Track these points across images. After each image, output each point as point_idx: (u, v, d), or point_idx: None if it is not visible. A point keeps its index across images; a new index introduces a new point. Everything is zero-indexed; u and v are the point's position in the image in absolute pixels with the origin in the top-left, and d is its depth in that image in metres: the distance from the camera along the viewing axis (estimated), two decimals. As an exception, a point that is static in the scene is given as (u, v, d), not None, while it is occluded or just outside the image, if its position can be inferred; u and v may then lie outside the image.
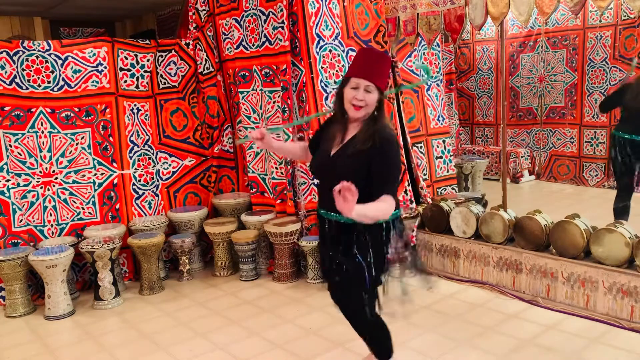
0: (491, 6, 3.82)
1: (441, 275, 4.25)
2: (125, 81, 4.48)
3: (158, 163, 4.69)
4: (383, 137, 2.20)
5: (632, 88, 4.32)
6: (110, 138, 4.42)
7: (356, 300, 2.36)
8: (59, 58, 4.19)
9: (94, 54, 4.31)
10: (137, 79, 4.54)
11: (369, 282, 2.28)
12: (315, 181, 4.19)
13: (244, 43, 4.55)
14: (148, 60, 4.57)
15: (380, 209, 2.09)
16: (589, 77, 6.23)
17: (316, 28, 4.14)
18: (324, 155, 2.33)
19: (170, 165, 4.75)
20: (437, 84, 5.18)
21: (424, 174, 4.84)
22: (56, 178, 4.24)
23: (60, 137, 4.24)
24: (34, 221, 4.17)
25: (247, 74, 4.59)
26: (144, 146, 4.60)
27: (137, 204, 4.55)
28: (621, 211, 4.28)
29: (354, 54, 4.35)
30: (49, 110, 4.19)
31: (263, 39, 4.35)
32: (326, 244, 2.44)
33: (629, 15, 5.73)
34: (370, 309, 2.39)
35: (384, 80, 2.25)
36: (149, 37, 5.91)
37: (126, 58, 4.46)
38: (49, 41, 4.21)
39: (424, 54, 5.03)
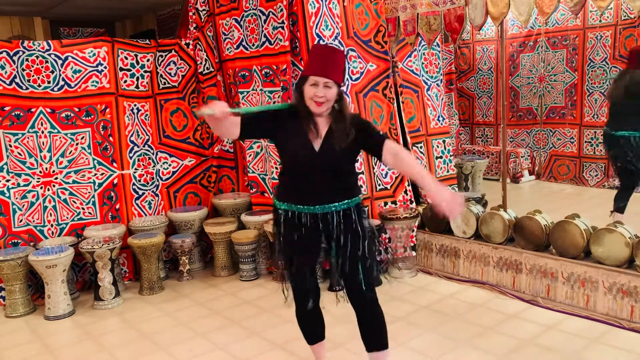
0: (491, 6, 3.82)
1: (441, 275, 4.25)
2: (125, 81, 4.48)
3: (158, 163, 4.69)
4: (359, 119, 2.50)
5: (615, 82, 4.34)
6: (110, 138, 4.42)
7: (365, 279, 2.45)
8: (59, 58, 4.19)
9: (94, 54, 4.31)
10: (137, 79, 4.54)
11: (376, 258, 2.47)
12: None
13: (244, 43, 4.55)
14: (148, 60, 4.57)
15: (409, 156, 2.45)
16: (589, 77, 6.23)
17: (316, 28, 4.14)
18: (307, 150, 2.37)
19: (170, 165, 4.75)
20: (437, 84, 5.18)
21: (424, 174, 4.83)
22: (56, 178, 4.24)
23: (60, 137, 4.24)
24: (34, 221, 4.17)
25: (247, 74, 4.59)
26: (144, 146, 4.60)
27: (137, 204, 4.55)
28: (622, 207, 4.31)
29: (354, 54, 4.35)
30: (49, 110, 4.19)
31: (263, 39, 4.35)
32: (307, 240, 2.48)
33: (629, 15, 5.73)
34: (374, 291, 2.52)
35: (340, 74, 2.37)
36: (149, 37, 5.90)
37: (126, 58, 4.46)
38: (49, 41, 4.21)
39: (424, 54, 5.03)
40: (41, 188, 4.19)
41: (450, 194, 2.19)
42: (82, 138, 4.32)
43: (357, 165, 2.60)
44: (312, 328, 2.74)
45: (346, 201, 2.43)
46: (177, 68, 4.76)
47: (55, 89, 4.20)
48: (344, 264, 2.45)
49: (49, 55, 4.15)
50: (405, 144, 4.71)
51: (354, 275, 2.45)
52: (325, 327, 2.78)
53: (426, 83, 5.07)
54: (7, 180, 4.07)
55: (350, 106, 2.45)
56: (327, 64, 2.32)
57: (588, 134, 6.33)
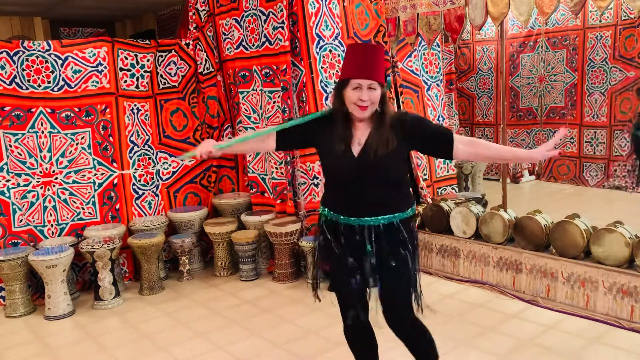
0: (491, 6, 3.82)
1: (441, 275, 4.25)
2: (125, 81, 4.48)
3: (158, 163, 4.69)
4: (406, 117, 2.25)
5: None
6: (110, 138, 4.42)
7: (406, 301, 2.29)
8: (59, 58, 4.19)
9: (94, 54, 4.31)
10: (137, 79, 4.54)
11: (415, 278, 2.29)
12: (316, 181, 4.19)
13: (244, 43, 4.55)
14: (148, 60, 4.57)
15: (483, 141, 2.32)
16: (589, 77, 6.23)
17: (316, 28, 4.14)
18: (346, 158, 2.19)
19: (170, 165, 4.75)
20: (437, 84, 5.18)
21: (424, 174, 4.84)
22: (56, 178, 4.24)
23: (60, 137, 4.24)
24: (34, 221, 4.17)
25: (247, 74, 4.59)
26: (144, 146, 4.60)
27: (137, 204, 4.55)
28: None
29: (354, 54, 4.35)
30: (49, 110, 4.19)
31: (263, 39, 4.35)
32: (347, 250, 2.29)
33: (629, 15, 5.72)
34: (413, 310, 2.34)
35: (382, 72, 2.17)
36: (149, 37, 5.91)
37: (126, 58, 4.46)
38: (49, 41, 4.21)
39: (424, 54, 5.04)
40: (41, 188, 4.19)
41: (544, 150, 2.11)
42: (82, 138, 4.32)
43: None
44: (361, 348, 2.47)
45: (388, 216, 2.21)
46: (177, 68, 4.75)
47: (55, 89, 4.20)
48: (383, 281, 2.27)
49: (49, 55, 4.15)
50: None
51: (392, 295, 2.28)
52: (377, 352, 2.50)
53: (426, 83, 5.07)
54: (7, 180, 4.07)
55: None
56: (368, 64, 2.13)
57: (588, 134, 6.33)
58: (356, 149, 2.20)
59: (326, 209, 2.32)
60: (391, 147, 2.14)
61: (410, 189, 2.46)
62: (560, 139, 2.09)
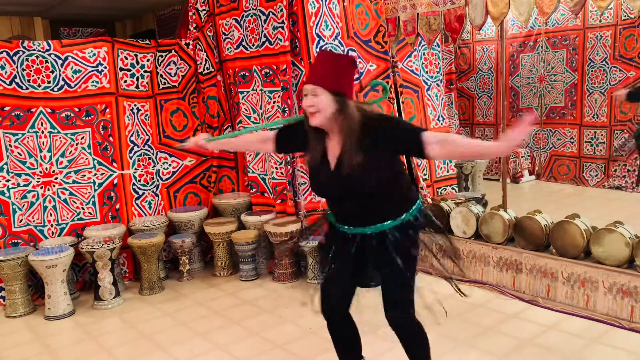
0: (491, 6, 3.82)
1: (441, 275, 4.24)
2: (125, 81, 4.47)
3: (158, 163, 4.69)
4: (370, 121, 2.10)
5: None
6: (110, 138, 4.42)
7: (406, 304, 2.30)
8: (59, 58, 4.19)
9: (94, 54, 4.31)
10: (137, 79, 4.54)
11: (413, 282, 2.27)
12: None
13: (244, 43, 4.55)
14: (148, 60, 4.57)
15: (456, 136, 2.15)
16: (589, 77, 6.23)
17: (316, 28, 4.14)
18: (323, 169, 2.18)
19: (170, 165, 4.75)
20: (437, 84, 5.18)
21: (424, 174, 4.84)
22: (56, 178, 4.24)
23: (60, 137, 4.24)
24: (34, 221, 4.17)
25: (247, 74, 4.59)
26: (144, 146, 4.60)
27: (137, 204, 4.55)
28: None
29: (354, 54, 4.35)
30: (49, 110, 4.19)
31: (263, 39, 4.35)
32: (347, 257, 2.32)
33: (629, 15, 5.72)
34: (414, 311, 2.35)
35: (330, 79, 2.06)
36: (149, 37, 5.90)
37: (126, 58, 4.46)
38: (49, 41, 4.21)
39: (424, 54, 5.03)
40: (41, 188, 4.19)
41: (517, 136, 1.93)
42: (82, 138, 4.32)
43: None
44: (340, 341, 2.50)
45: (377, 225, 2.19)
46: (177, 68, 4.75)
47: (55, 89, 4.19)
48: (383, 283, 2.30)
49: (49, 55, 4.15)
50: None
51: (391, 297, 2.29)
52: (357, 345, 2.54)
53: (426, 83, 5.07)
54: (7, 180, 4.07)
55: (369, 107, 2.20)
56: (316, 70, 2.11)
57: (588, 134, 6.33)
58: (332, 162, 2.15)
59: (329, 212, 2.36)
60: (358, 159, 2.04)
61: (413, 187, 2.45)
62: (528, 128, 1.92)
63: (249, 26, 4.46)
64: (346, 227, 2.27)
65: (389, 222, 2.20)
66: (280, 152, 2.51)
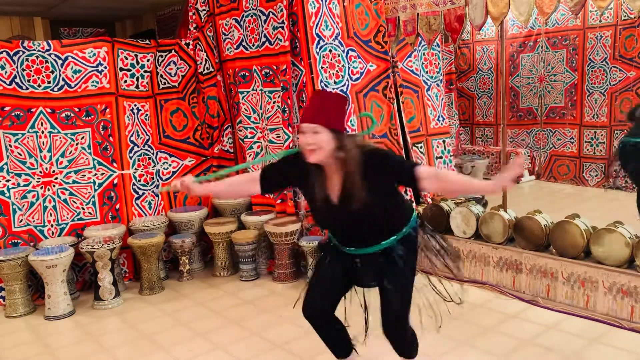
0: (491, 6, 3.82)
1: (441, 275, 4.24)
2: (125, 81, 4.48)
3: (158, 163, 4.69)
4: (371, 158, 2.20)
5: None
6: (110, 138, 4.42)
7: (405, 319, 2.40)
8: (59, 58, 4.19)
9: (94, 54, 4.31)
10: (137, 79, 4.54)
11: (411, 296, 2.37)
12: None
13: (244, 43, 4.55)
14: (148, 60, 4.57)
15: (449, 172, 2.30)
16: (589, 77, 6.23)
17: (316, 28, 4.14)
18: (327, 206, 2.26)
19: (170, 165, 4.75)
20: (437, 84, 5.18)
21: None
22: (56, 178, 4.24)
23: (60, 137, 4.24)
24: (34, 221, 4.17)
25: (247, 74, 4.59)
26: (144, 146, 4.60)
27: (137, 204, 4.55)
28: None
29: (354, 54, 4.35)
30: (49, 110, 4.19)
31: (263, 39, 4.35)
32: (349, 274, 2.44)
33: (629, 15, 5.72)
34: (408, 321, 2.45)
35: (330, 118, 2.14)
36: (149, 37, 5.91)
37: (126, 58, 4.46)
38: (49, 41, 4.21)
39: (424, 54, 5.04)
40: (41, 188, 4.19)
41: (508, 177, 2.00)
42: (82, 138, 4.32)
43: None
44: (325, 339, 2.59)
45: (378, 245, 2.32)
46: (177, 68, 4.75)
47: (55, 89, 4.20)
48: (381, 295, 2.39)
49: (49, 55, 4.15)
50: (405, 144, 4.72)
51: (391, 309, 2.37)
52: (348, 340, 2.62)
53: (426, 83, 5.07)
54: (7, 180, 4.07)
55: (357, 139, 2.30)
56: (314, 109, 2.17)
57: (588, 134, 6.33)
58: (335, 196, 2.24)
59: (341, 245, 2.43)
60: (363, 196, 2.14)
61: (411, 189, 2.52)
62: (519, 170, 2.01)
63: (249, 26, 4.46)
64: (351, 249, 2.37)
65: (393, 237, 2.33)
66: (265, 192, 2.56)
